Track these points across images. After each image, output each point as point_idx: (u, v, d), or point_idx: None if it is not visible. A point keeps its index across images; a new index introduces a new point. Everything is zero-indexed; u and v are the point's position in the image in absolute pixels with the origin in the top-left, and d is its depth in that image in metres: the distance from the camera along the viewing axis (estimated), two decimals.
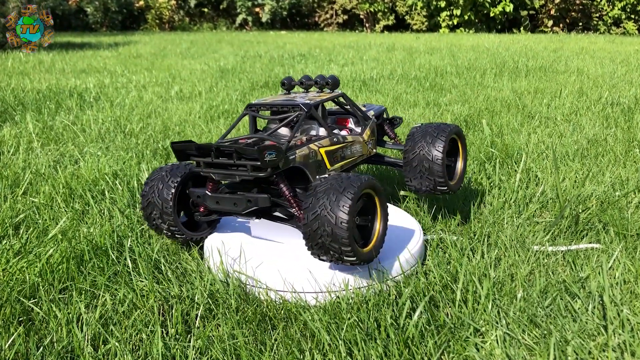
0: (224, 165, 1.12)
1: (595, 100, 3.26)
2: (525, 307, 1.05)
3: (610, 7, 12.88)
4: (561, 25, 13.65)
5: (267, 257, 1.20)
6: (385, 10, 15.17)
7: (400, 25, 15.28)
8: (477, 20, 13.83)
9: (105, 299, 1.10)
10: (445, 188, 1.38)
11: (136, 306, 1.10)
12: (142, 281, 1.18)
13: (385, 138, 1.64)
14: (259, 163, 1.07)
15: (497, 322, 1.01)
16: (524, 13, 13.62)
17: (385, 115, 1.63)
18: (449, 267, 1.22)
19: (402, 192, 1.65)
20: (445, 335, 0.98)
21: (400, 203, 1.64)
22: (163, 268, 1.24)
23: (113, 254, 1.28)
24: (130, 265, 1.24)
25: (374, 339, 0.96)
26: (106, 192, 1.71)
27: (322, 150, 1.26)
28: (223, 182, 1.25)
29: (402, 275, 1.18)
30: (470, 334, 0.98)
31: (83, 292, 1.15)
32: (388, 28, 15.34)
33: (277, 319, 1.05)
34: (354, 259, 1.04)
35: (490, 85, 3.96)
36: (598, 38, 10.14)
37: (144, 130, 2.61)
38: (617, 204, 1.59)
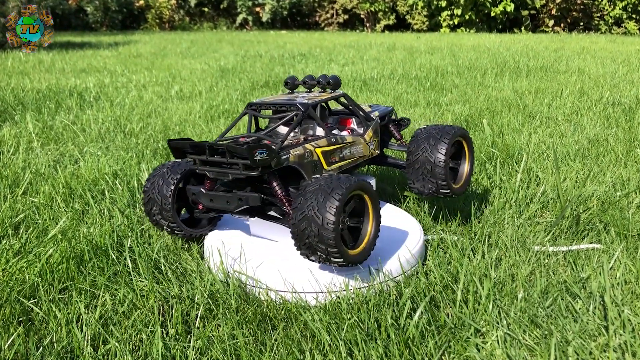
0: (218, 164, 1.14)
1: (596, 100, 3.26)
2: (526, 307, 1.05)
3: (612, 6, 12.87)
4: (562, 25, 13.64)
5: (268, 257, 1.20)
6: (386, 9, 15.16)
7: (401, 24, 15.27)
8: (478, 20, 13.82)
9: (105, 299, 1.10)
10: (448, 191, 1.35)
11: (136, 306, 1.09)
12: (142, 281, 1.18)
13: (392, 140, 1.62)
14: (249, 162, 1.07)
15: (497, 323, 1.01)
16: (525, 13, 13.62)
17: (393, 117, 1.61)
18: (449, 267, 1.22)
19: (406, 192, 1.64)
20: (446, 336, 0.98)
21: (401, 203, 1.64)
22: (163, 268, 1.24)
23: (113, 254, 1.28)
24: (130, 265, 1.23)
25: (375, 340, 0.96)
26: (106, 192, 1.70)
27: (319, 151, 1.25)
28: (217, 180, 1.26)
29: (403, 275, 1.18)
30: (471, 335, 0.98)
31: (83, 292, 1.14)
32: (389, 28, 15.33)
33: (277, 319, 1.05)
34: (341, 260, 1.04)
35: (491, 85, 3.95)
36: (599, 38, 10.14)
37: (144, 130, 2.60)
38: (618, 204, 1.59)
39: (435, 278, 1.17)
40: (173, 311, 1.05)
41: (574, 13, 13.47)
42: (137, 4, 15.31)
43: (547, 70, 4.79)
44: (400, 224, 1.38)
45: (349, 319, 1.00)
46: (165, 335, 1.01)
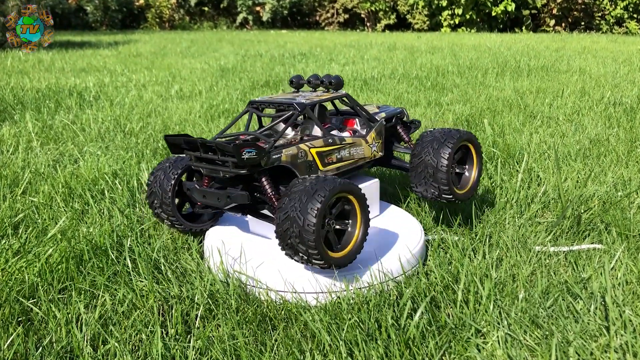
0: (211, 160, 1.14)
1: (597, 100, 3.26)
2: (526, 307, 1.05)
3: (613, 6, 12.85)
4: (563, 24, 13.62)
5: (268, 257, 1.19)
6: (387, 9, 15.15)
7: (402, 24, 15.26)
8: (478, 20, 13.81)
9: (105, 299, 1.10)
10: (451, 196, 1.33)
11: (136, 306, 1.09)
12: (142, 281, 1.17)
13: (402, 143, 1.59)
14: (236, 160, 1.07)
15: (498, 323, 1.00)
16: (525, 12, 13.60)
17: (405, 119, 1.58)
18: (450, 267, 1.22)
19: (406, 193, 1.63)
20: (447, 336, 0.97)
21: (402, 203, 1.64)
22: (163, 268, 1.23)
23: (113, 253, 1.28)
24: (130, 265, 1.23)
25: (375, 340, 0.96)
26: (106, 192, 1.70)
27: (313, 151, 1.25)
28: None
29: (403, 275, 1.17)
30: (472, 335, 0.98)
31: (82, 292, 1.14)
32: (389, 27, 15.32)
33: (277, 319, 1.05)
34: (322, 262, 1.03)
35: (492, 85, 3.95)
36: (600, 37, 10.13)
37: (143, 129, 2.60)
38: (620, 204, 1.58)
39: (435, 278, 1.17)
40: (173, 311, 1.05)
41: (575, 13, 13.46)
42: (137, 3, 15.31)
43: (548, 69, 4.79)
44: (400, 224, 1.37)
45: (350, 319, 0.99)
46: (165, 336, 1.00)
